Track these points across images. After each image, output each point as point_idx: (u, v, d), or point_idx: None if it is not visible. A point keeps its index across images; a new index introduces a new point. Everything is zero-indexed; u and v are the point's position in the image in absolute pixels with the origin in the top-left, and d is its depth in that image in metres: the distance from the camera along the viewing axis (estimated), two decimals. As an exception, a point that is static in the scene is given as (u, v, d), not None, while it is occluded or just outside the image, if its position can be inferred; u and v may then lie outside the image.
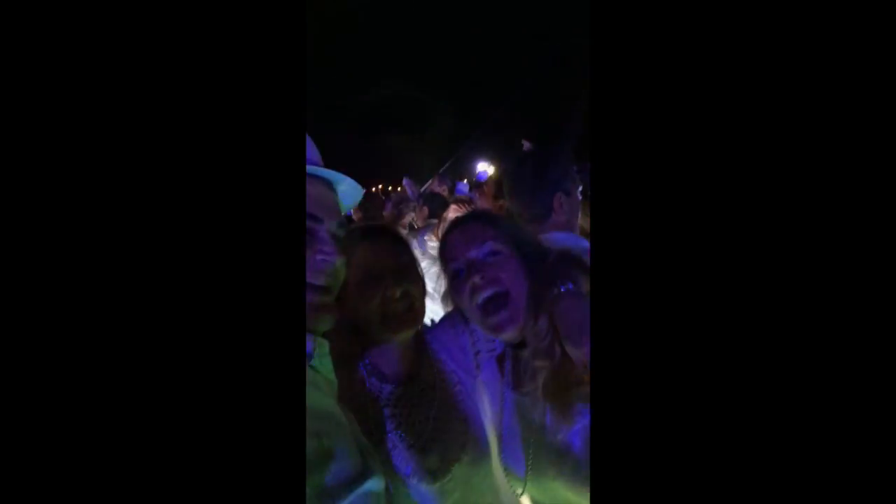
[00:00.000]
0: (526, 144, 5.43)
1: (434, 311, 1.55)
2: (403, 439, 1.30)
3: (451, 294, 1.39)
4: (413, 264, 1.44)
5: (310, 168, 1.00)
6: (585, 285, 1.17)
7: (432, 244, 3.34)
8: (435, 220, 4.00)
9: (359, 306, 1.32)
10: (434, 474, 1.27)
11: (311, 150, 1.07)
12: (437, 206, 4.27)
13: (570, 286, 1.16)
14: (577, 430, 1.17)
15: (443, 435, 1.34)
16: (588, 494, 1.13)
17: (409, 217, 5.24)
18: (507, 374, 1.38)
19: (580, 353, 1.14)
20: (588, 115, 0.64)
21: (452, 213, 3.29)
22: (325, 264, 0.96)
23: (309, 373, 0.96)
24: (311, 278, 0.95)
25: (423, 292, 1.43)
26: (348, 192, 1.11)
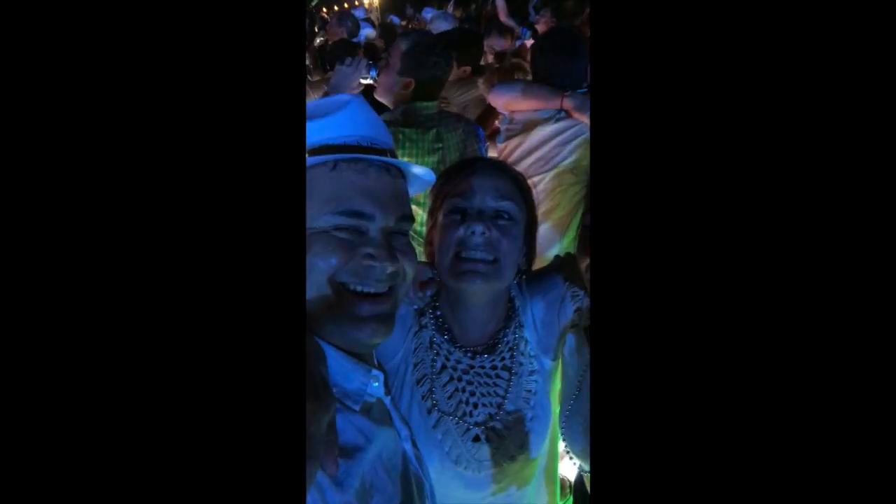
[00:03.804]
0: None
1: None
2: (460, 423, 1.11)
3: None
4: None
5: (371, 156, 0.86)
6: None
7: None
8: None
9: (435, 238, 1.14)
10: (483, 465, 1.11)
11: (379, 129, 0.92)
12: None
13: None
14: None
15: (505, 430, 1.12)
16: None
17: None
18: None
19: None
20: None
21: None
22: (372, 269, 0.85)
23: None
24: (357, 285, 0.85)
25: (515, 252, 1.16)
26: (417, 180, 0.97)
